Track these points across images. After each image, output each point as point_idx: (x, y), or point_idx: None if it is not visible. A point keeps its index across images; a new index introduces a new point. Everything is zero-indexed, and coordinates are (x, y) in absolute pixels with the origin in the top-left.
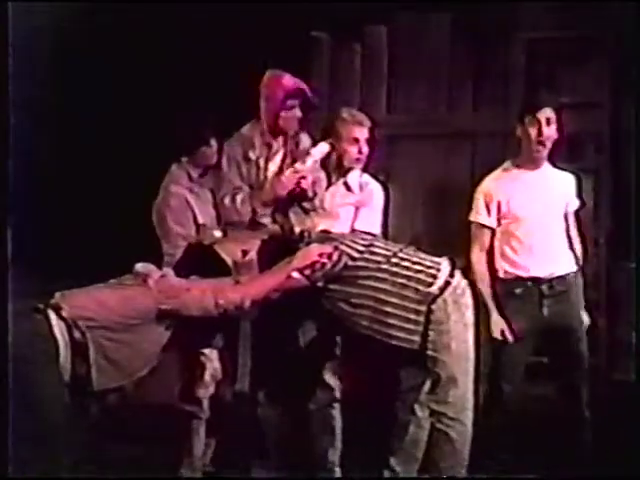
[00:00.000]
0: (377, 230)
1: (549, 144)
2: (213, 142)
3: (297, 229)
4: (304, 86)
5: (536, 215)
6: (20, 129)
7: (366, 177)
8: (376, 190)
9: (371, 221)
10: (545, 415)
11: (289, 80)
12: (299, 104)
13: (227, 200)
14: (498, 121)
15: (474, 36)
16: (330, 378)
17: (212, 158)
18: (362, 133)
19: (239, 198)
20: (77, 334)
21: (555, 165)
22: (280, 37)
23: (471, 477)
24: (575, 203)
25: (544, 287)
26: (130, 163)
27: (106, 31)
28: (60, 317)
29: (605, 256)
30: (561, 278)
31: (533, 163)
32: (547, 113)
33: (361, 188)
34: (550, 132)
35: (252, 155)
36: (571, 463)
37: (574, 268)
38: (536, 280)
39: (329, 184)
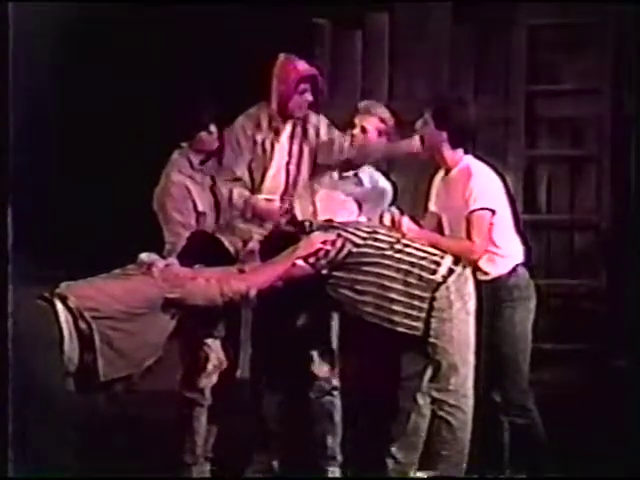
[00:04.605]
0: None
1: None
2: (213, 128)
3: (300, 216)
4: (316, 72)
5: None
6: (21, 119)
7: (378, 174)
8: (386, 189)
9: (374, 218)
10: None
11: (303, 65)
12: (310, 89)
13: (224, 189)
14: (499, 108)
15: (475, 23)
16: (327, 366)
17: (212, 144)
18: (369, 122)
19: (236, 193)
20: (83, 325)
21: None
22: (282, 24)
23: (471, 477)
24: None
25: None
26: (132, 149)
27: (106, 20)
28: (66, 307)
29: (606, 243)
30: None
31: None
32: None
33: (372, 183)
34: None
35: (258, 137)
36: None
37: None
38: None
39: (340, 173)
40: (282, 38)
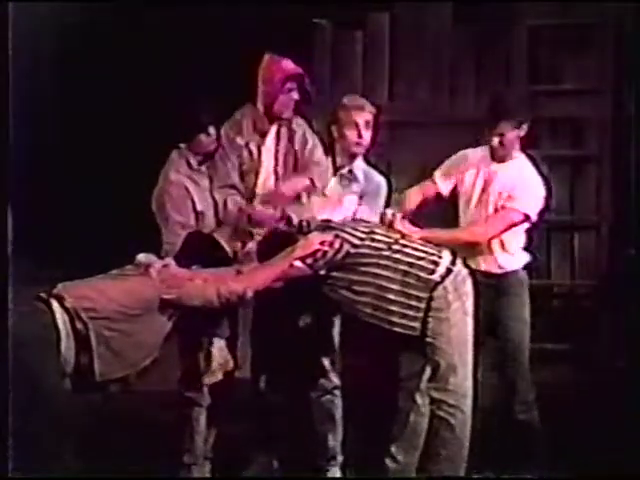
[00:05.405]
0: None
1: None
2: (211, 130)
3: (295, 219)
4: (302, 71)
5: None
6: (21, 118)
7: (371, 169)
8: (381, 182)
9: (373, 212)
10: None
11: (289, 64)
12: (296, 88)
13: (219, 197)
14: None
15: (476, 23)
16: (329, 366)
17: (211, 146)
18: (361, 117)
19: (230, 201)
20: (79, 325)
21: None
22: (283, 24)
23: (471, 477)
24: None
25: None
26: (131, 150)
27: (106, 21)
28: (63, 307)
29: (606, 243)
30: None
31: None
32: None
33: (366, 178)
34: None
35: (242, 141)
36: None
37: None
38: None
39: (334, 171)
40: (282, 38)
